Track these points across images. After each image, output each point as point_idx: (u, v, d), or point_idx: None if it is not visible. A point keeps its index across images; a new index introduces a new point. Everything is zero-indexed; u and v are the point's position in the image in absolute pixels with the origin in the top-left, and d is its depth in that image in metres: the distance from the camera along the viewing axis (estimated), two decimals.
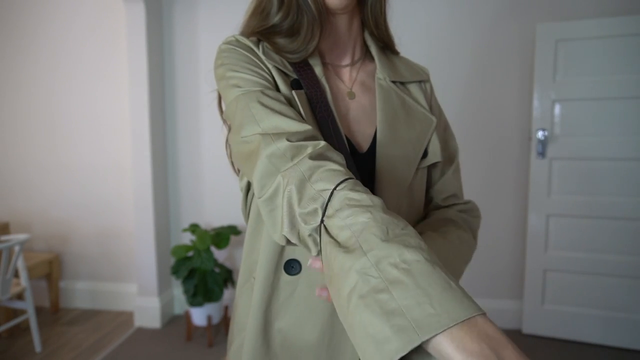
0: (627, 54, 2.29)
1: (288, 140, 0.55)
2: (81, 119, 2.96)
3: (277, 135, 0.56)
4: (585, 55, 2.34)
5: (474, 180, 2.66)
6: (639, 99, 2.30)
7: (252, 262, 0.72)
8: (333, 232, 0.47)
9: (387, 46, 0.77)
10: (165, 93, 2.85)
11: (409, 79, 0.75)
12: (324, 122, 0.64)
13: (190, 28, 2.78)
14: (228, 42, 0.69)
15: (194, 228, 2.57)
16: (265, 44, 0.68)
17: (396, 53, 0.79)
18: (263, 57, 0.66)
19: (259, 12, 0.71)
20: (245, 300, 0.72)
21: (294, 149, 0.54)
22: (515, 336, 2.58)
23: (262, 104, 0.60)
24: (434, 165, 0.77)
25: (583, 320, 2.48)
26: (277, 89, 0.65)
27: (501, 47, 2.55)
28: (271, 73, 0.65)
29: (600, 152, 2.37)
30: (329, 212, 0.48)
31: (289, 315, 0.65)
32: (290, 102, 0.63)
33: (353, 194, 0.48)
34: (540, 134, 2.44)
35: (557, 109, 2.43)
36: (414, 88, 0.76)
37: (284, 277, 0.65)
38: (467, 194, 2.69)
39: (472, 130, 2.63)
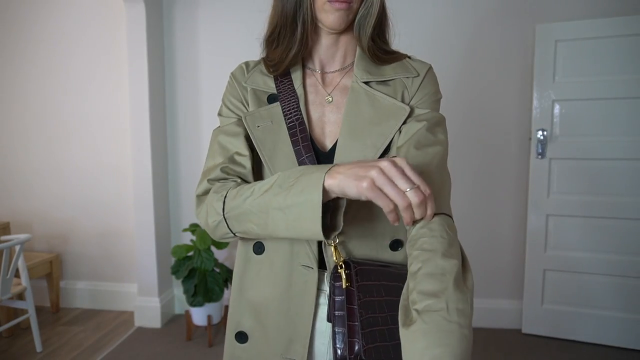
0: (626, 54, 2.29)
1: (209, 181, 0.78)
2: (82, 119, 2.97)
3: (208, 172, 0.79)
4: (585, 56, 2.35)
5: (474, 180, 2.66)
6: (638, 99, 2.30)
7: None
8: (237, 209, 0.71)
9: (375, 59, 0.79)
10: (165, 93, 2.85)
11: (390, 76, 0.78)
12: (292, 126, 0.76)
13: (190, 28, 2.78)
14: (231, 73, 0.85)
15: (194, 228, 2.58)
16: (265, 61, 0.82)
17: (390, 62, 0.80)
18: (245, 85, 0.81)
19: (270, 24, 0.80)
20: None
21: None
22: (515, 336, 2.59)
23: (218, 143, 0.81)
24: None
25: (583, 320, 2.48)
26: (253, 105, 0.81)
27: (501, 47, 2.55)
28: (246, 98, 0.81)
29: (599, 152, 2.38)
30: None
31: (256, 288, 0.80)
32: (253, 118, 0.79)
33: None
34: (539, 134, 2.44)
35: (557, 109, 2.43)
36: (396, 84, 0.78)
37: (254, 256, 0.81)
38: (467, 194, 2.70)
39: (471, 130, 2.63)
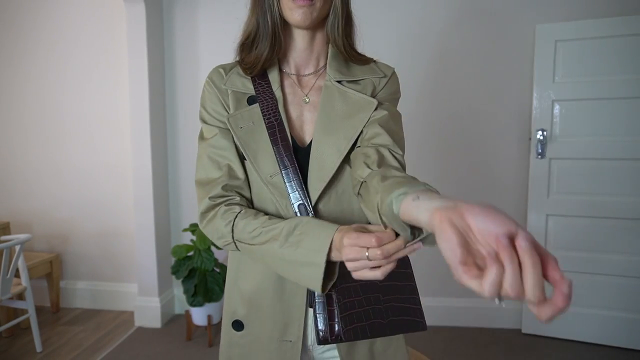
0: (626, 54, 2.29)
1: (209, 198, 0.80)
2: (82, 119, 2.97)
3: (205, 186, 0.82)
4: (585, 56, 2.35)
5: (474, 180, 2.66)
6: (638, 99, 2.30)
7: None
8: (246, 242, 0.76)
9: (349, 58, 0.86)
10: (165, 93, 2.85)
11: (359, 77, 0.86)
12: (271, 125, 0.81)
13: (190, 28, 2.78)
14: (208, 76, 0.87)
15: (194, 228, 2.58)
16: (240, 64, 0.85)
17: (361, 63, 0.87)
18: (224, 87, 0.84)
19: (245, 30, 0.85)
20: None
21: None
22: (515, 336, 2.59)
23: (208, 157, 0.83)
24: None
25: (583, 320, 2.49)
26: (234, 107, 0.84)
27: (501, 47, 2.55)
28: (227, 102, 0.84)
29: (599, 152, 2.38)
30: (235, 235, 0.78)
31: (250, 278, 0.86)
32: (236, 120, 0.82)
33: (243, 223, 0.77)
34: (539, 134, 2.44)
35: (557, 109, 2.43)
36: (366, 83, 0.86)
37: None
38: (467, 194, 2.69)
39: (472, 130, 2.63)
